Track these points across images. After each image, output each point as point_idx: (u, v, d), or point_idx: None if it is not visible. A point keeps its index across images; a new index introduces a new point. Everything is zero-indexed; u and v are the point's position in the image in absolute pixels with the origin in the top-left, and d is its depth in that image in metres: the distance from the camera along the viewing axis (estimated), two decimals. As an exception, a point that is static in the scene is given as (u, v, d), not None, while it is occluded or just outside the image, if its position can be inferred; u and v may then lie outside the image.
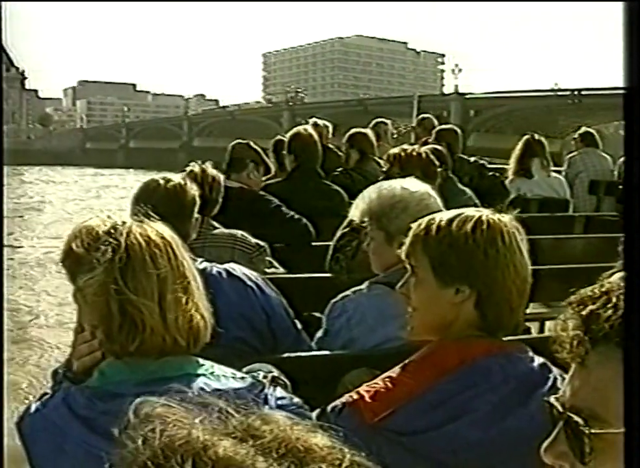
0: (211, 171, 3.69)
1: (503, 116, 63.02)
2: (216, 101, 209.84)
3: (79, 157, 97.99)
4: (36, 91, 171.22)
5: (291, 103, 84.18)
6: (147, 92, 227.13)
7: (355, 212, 2.91)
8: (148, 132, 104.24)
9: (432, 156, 4.43)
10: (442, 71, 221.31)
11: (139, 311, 1.63)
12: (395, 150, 4.51)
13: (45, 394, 1.79)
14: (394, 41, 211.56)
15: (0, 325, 1.29)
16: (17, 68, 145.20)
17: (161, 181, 2.99)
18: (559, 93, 64.46)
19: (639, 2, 0.72)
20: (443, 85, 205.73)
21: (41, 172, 66.08)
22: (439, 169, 4.54)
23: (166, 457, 0.77)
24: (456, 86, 70.26)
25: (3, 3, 1.23)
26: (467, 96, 68.18)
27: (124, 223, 1.72)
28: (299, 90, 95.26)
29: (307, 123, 7.22)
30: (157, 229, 1.74)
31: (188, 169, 3.59)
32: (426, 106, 66.10)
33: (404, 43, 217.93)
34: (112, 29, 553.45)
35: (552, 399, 1.12)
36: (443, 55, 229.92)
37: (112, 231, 1.69)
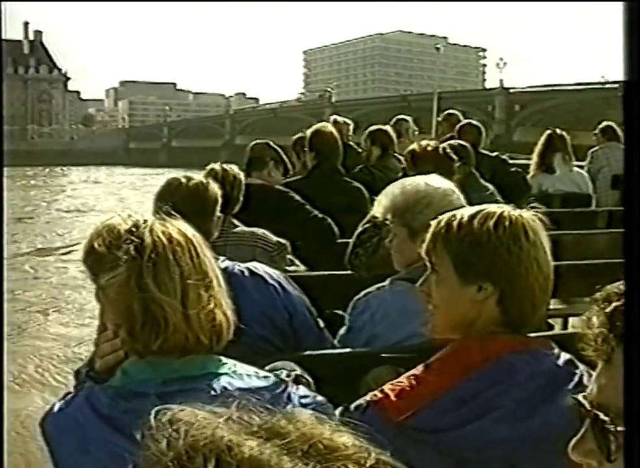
0: (232, 169, 3.68)
1: (549, 110, 61.22)
2: (256, 99, 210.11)
3: (122, 157, 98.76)
4: (78, 92, 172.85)
5: (334, 100, 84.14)
6: (188, 91, 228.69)
7: (378, 208, 2.88)
8: (190, 131, 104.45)
9: (448, 152, 4.38)
10: (484, 65, 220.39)
11: (162, 309, 1.61)
12: (412, 146, 4.48)
13: (69, 393, 1.78)
14: (434, 36, 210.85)
15: (0, 325, 1.29)
16: (60, 70, 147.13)
17: (183, 180, 2.97)
18: (607, 86, 63.51)
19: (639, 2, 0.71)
20: (484, 80, 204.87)
21: (88, 172, 66.90)
22: (457, 165, 4.46)
23: (190, 458, 0.76)
24: (501, 80, 68.86)
25: (3, 3, 1.24)
26: (512, 90, 66.79)
27: (146, 221, 1.70)
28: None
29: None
30: (179, 227, 1.72)
31: (208, 167, 3.60)
32: (470, 101, 65.64)
33: (445, 37, 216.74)
34: (152, 29, 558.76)
35: (580, 396, 1.09)
36: (484, 49, 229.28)
37: (133, 229, 1.67)
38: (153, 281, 1.61)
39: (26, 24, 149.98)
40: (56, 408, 1.70)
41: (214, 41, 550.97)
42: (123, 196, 35.67)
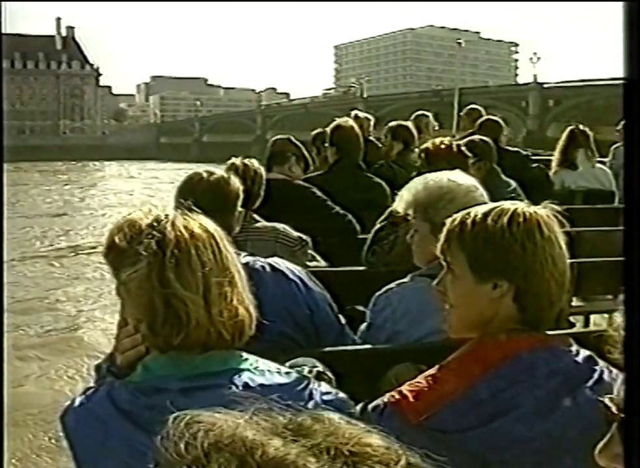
0: (253, 164, 3.66)
1: (584, 106, 60.19)
2: (287, 94, 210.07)
3: (154, 152, 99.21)
4: (109, 87, 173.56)
5: (365, 96, 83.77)
6: (219, 86, 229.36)
7: (399, 203, 2.85)
8: (221, 126, 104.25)
9: (463, 149, 4.32)
10: (516, 60, 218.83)
11: (184, 305, 1.59)
12: (425, 144, 4.43)
13: (89, 388, 1.76)
14: (466, 30, 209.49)
15: (0, 325, 1.29)
16: (92, 65, 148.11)
17: (204, 174, 2.95)
18: (644, 81, 62.13)
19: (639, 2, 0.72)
20: (517, 75, 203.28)
21: (121, 167, 67.20)
22: (471, 162, 4.42)
23: (210, 460, 0.74)
24: (535, 75, 67.93)
25: (3, 3, 1.24)
26: (547, 85, 66.09)
27: (167, 216, 1.68)
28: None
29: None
30: (201, 221, 1.70)
31: (229, 162, 3.59)
32: (503, 96, 65.07)
33: (477, 32, 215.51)
34: (183, 24, 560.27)
35: (607, 400, 1.08)
36: (517, 44, 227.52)
37: (155, 223, 1.65)
38: (175, 276, 1.60)
39: (58, 20, 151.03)
40: (76, 402, 1.69)
41: (245, 36, 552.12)
42: (156, 191, 35.44)
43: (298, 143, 5.10)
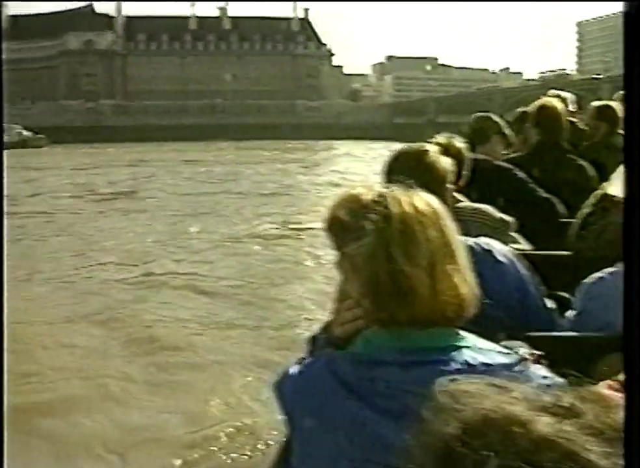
0: (457, 143, 3.52)
1: None
2: (520, 73, 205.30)
3: (387, 132, 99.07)
4: (341, 67, 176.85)
5: (611, 75, 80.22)
6: (450, 66, 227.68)
7: (614, 188, 2.70)
8: (456, 106, 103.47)
9: None
10: None
11: (409, 280, 1.54)
12: None
13: (304, 358, 1.76)
14: None
15: (0, 325, 1.30)
16: (325, 45, 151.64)
17: (416, 150, 2.87)
18: None
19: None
20: None
21: (350, 146, 68.46)
22: None
23: (481, 433, 0.72)
24: None
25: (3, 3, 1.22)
26: None
27: (391, 191, 1.64)
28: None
29: None
30: (425, 198, 1.64)
31: (434, 141, 3.42)
32: None
33: None
34: (416, 4, 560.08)
35: None
36: None
37: (379, 199, 1.62)
38: (401, 251, 1.55)
39: (294, 1, 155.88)
40: (293, 371, 1.69)
41: (477, 15, 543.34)
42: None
43: (499, 120, 4.87)
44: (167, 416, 6.62)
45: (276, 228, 17.90)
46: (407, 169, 2.58)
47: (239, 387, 7.14)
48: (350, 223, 1.70)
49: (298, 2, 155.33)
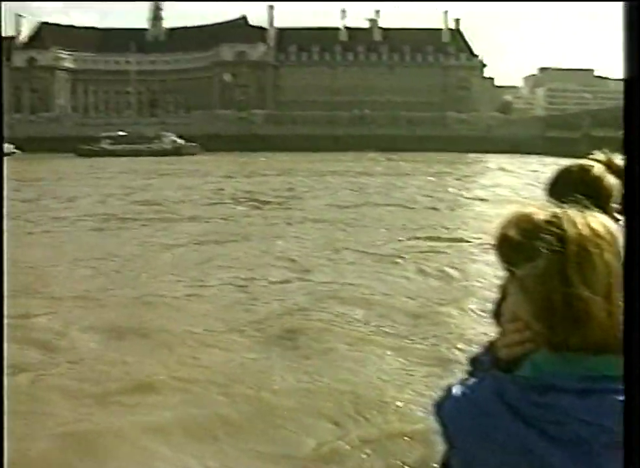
0: (617, 160, 3.24)
1: None
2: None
3: (539, 146, 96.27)
4: (492, 79, 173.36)
5: None
6: (607, 78, 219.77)
7: None
8: (612, 120, 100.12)
9: None
10: None
11: (585, 304, 1.49)
12: None
13: (466, 379, 1.72)
14: None
15: (0, 325, 1.29)
16: (477, 56, 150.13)
17: (581, 166, 2.80)
18: None
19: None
20: None
21: (502, 160, 67.33)
22: None
23: None
24: None
25: (3, 3, 1.26)
26: None
27: (565, 212, 1.59)
28: None
29: None
30: (600, 219, 1.58)
31: (592, 157, 3.26)
32: None
33: None
34: (570, 14, 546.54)
35: None
36: None
37: (554, 219, 1.58)
38: (577, 274, 1.51)
39: (445, 12, 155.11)
40: (456, 392, 1.66)
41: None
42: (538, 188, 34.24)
43: None
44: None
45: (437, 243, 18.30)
46: (572, 185, 2.55)
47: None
48: (522, 243, 1.65)
49: (447, 13, 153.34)
